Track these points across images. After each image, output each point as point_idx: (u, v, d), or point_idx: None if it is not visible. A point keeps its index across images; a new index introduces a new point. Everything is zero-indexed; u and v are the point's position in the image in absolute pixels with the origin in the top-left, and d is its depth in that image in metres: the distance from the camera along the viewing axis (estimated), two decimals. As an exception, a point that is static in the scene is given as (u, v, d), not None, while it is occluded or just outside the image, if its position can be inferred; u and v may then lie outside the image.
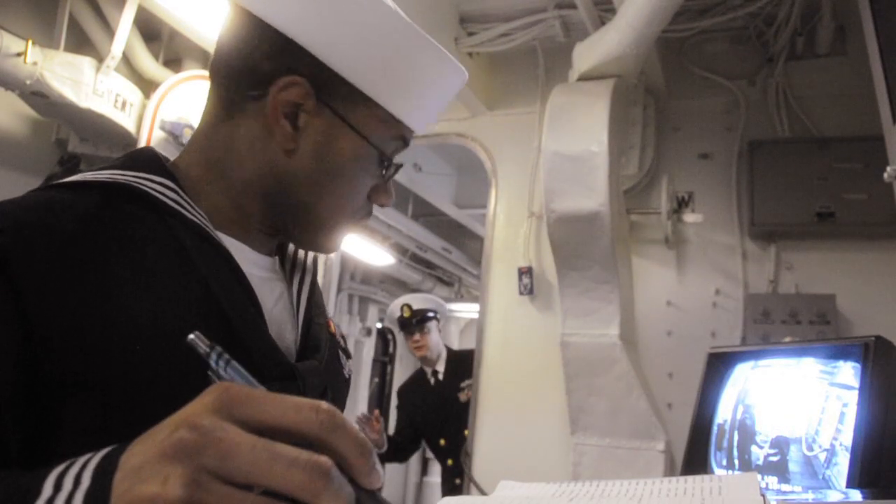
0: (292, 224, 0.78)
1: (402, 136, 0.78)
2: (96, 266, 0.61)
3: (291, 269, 0.83)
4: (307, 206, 0.76)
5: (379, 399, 6.90)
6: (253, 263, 0.75)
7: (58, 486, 0.40)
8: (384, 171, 0.79)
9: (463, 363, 3.51)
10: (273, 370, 0.69)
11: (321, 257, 3.30)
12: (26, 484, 0.41)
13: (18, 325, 0.56)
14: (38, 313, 0.57)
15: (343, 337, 0.93)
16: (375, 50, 0.72)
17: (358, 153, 0.75)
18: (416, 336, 3.52)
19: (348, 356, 0.92)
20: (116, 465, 0.39)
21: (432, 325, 3.56)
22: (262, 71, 0.71)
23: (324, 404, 0.40)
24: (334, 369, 0.86)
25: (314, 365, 0.78)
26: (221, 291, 0.68)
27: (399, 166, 0.81)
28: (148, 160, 0.72)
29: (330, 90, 0.72)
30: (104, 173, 0.68)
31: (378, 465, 0.41)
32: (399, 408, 3.56)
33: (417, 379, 3.74)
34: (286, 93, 0.71)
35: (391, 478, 6.88)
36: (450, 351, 3.68)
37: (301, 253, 0.86)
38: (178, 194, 0.69)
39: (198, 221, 0.69)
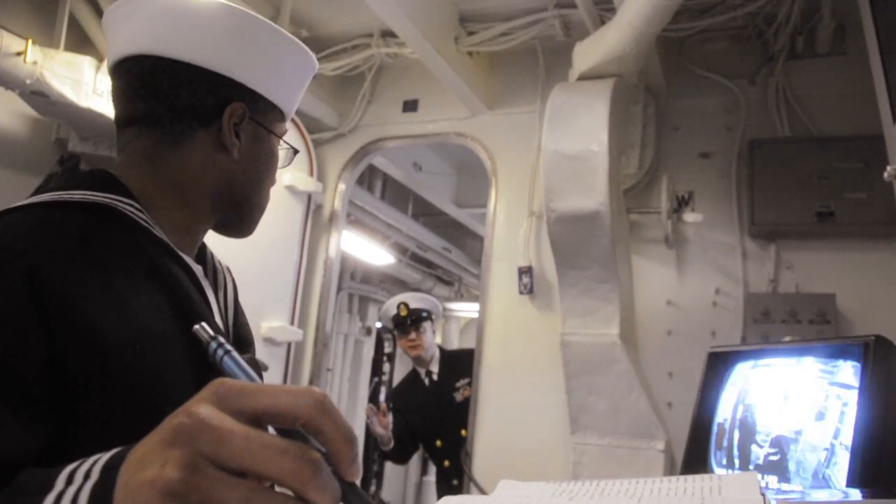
0: (236, 216, 0.98)
1: (286, 128, 1.02)
2: (97, 279, 0.73)
3: (213, 277, 0.99)
4: (248, 197, 0.97)
5: (378, 398, 6.91)
6: (198, 274, 0.90)
7: (69, 481, 0.44)
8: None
9: (457, 363, 3.50)
10: None
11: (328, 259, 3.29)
12: (42, 480, 0.45)
13: (44, 333, 0.67)
14: (59, 322, 0.68)
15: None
16: (278, 68, 0.96)
17: (274, 149, 1.00)
18: (412, 335, 3.52)
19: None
20: (123, 460, 0.42)
21: (427, 324, 3.55)
22: (207, 104, 0.90)
23: (316, 389, 0.42)
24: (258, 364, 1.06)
25: (253, 357, 0.98)
26: (187, 300, 0.83)
27: (297, 152, 1.08)
28: (113, 183, 0.85)
29: (254, 106, 0.94)
30: (77, 193, 0.80)
31: (359, 459, 0.43)
32: (394, 411, 3.55)
33: (411, 380, 3.72)
34: (233, 117, 0.91)
35: (391, 477, 6.88)
36: (443, 351, 3.67)
37: (217, 264, 1.03)
38: (144, 214, 0.84)
39: (165, 239, 0.84)
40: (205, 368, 0.75)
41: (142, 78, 0.89)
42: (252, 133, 0.94)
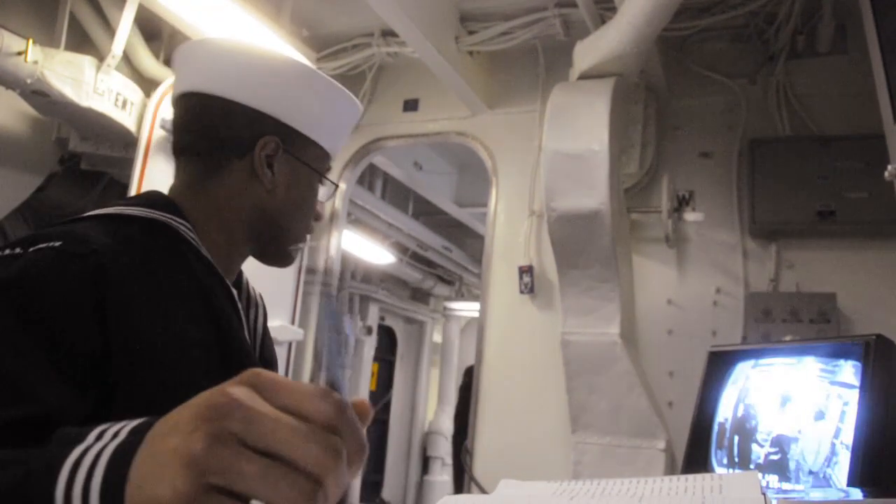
0: (271, 245, 1.04)
1: (330, 164, 1.08)
2: (150, 285, 0.83)
3: (246, 301, 1.08)
4: (282, 228, 1.03)
5: (384, 395, 6.91)
6: (234, 294, 0.99)
7: (99, 437, 0.48)
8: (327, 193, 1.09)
9: None
10: None
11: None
12: (76, 434, 0.49)
13: (98, 324, 0.75)
14: (113, 317, 0.76)
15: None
16: (316, 107, 1.02)
17: (313, 183, 1.05)
18: None
19: None
20: (151, 426, 0.45)
21: None
22: (243, 137, 0.97)
23: (336, 395, 0.44)
24: None
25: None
26: (224, 314, 0.92)
27: (337, 186, 1.13)
28: (168, 204, 0.95)
29: (290, 141, 1.00)
30: (137, 209, 0.91)
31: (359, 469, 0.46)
32: (462, 388, 3.59)
33: None
34: (265, 149, 0.98)
35: (391, 477, 6.88)
36: None
37: (251, 290, 1.10)
38: (193, 233, 0.94)
39: (209, 258, 0.94)
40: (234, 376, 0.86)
41: (190, 112, 1.00)
42: (288, 166, 1.00)
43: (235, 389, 0.42)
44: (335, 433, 0.42)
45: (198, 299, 0.89)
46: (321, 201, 1.08)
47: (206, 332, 0.88)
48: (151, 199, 0.95)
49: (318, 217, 1.09)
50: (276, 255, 1.06)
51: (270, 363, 1.10)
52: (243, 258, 1.05)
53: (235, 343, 0.92)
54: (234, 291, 0.99)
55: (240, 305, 0.99)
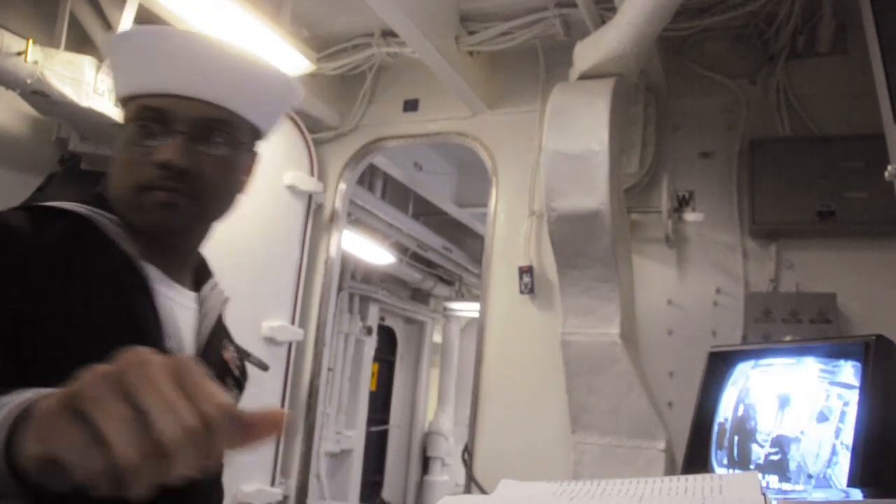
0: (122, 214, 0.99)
1: (145, 105, 0.97)
2: (65, 270, 0.88)
3: (202, 303, 1.08)
4: (114, 193, 0.99)
5: (385, 396, 6.91)
6: (170, 290, 1.01)
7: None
8: (142, 140, 0.97)
9: None
10: None
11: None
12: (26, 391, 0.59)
13: (21, 306, 0.82)
14: (27, 292, 0.84)
15: (239, 367, 1.18)
16: (126, 59, 1.00)
17: (119, 136, 1.00)
18: None
19: (238, 384, 1.16)
20: None
21: None
22: None
23: (231, 410, 0.51)
24: None
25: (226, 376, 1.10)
26: (138, 308, 0.94)
27: (139, 125, 0.98)
28: (99, 200, 0.99)
29: (126, 115, 1.01)
30: (69, 204, 0.96)
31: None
32: None
33: None
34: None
35: (392, 476, 6.88)
36: None
37: (212, 297, 1.10)
38: (122, 228, 0.96)
39: (129, 253, 0.95)
40: None
41: None
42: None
43: (157, 357, 0.48)
44: (209, 432, 0.48)
45: (109, 293, 0.92)
46: (146, 150, 0.96)
47: (115, 324, 0.90)
48: (93, 196, 1.01)
49: (161, 162, 0.95)
50: (137, 224, 0.98)
51: (214, 365, 1.06)
52: (153, 241, 0.99)
53: (147, 340, 0.92)
54: (155, 275, 0.98)
55: (163, 294, 0.98)
